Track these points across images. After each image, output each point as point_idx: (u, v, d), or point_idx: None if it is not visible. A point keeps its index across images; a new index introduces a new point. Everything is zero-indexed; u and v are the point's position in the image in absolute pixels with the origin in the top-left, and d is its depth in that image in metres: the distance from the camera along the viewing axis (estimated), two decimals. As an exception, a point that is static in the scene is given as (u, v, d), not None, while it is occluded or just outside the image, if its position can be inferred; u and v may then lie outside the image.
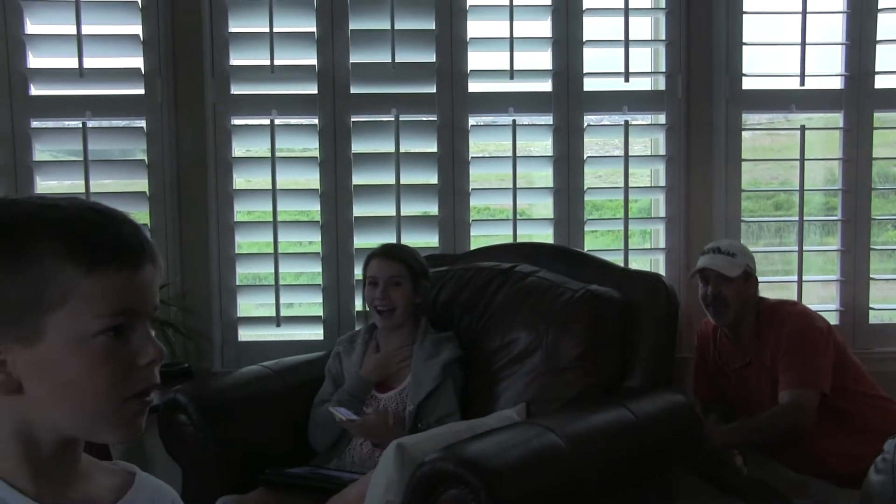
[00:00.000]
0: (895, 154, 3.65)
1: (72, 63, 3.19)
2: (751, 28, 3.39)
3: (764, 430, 2.90)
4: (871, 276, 3.47)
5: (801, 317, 2.98)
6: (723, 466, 2.87)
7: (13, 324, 0.94)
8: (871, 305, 3.48)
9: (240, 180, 3.35)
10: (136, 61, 3.23)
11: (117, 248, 0.96)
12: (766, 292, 3.12)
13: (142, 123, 3.25)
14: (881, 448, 2.86)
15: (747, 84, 3.41)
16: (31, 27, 3.24)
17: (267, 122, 3.26)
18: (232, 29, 3.25)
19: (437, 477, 2.14)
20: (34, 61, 3.25)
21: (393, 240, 3.27)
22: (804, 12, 3.37)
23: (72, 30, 3.17)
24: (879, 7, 3.40)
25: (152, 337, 0.99)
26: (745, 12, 3.37)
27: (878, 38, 3.42)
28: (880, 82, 3.45)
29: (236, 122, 3.29)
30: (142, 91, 3.23)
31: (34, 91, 3.25)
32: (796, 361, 2.89)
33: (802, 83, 3.42)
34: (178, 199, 3.26)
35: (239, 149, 3.34)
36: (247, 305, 3.39)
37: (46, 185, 3.34)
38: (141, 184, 3.27)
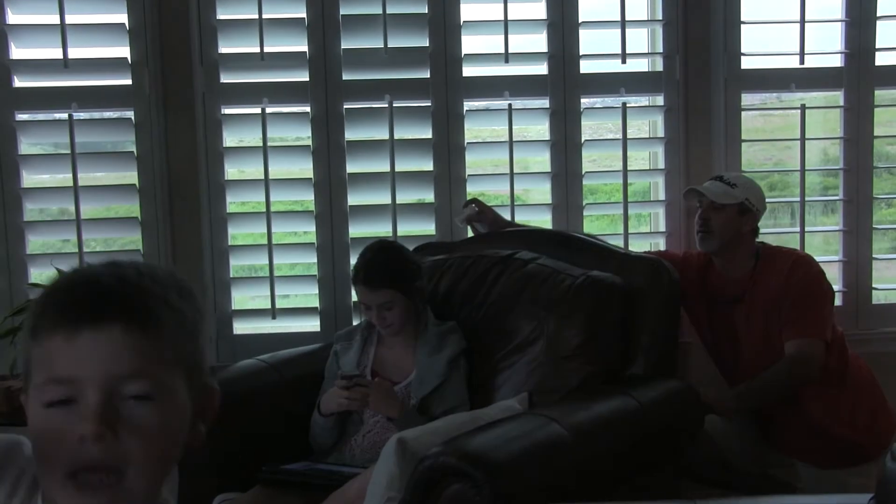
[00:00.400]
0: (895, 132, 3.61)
1: (56, 53, 3.11)
2: (749, 6, 3.33)
3: (772, 387, 2.81)
4: (874, 256, 3.43)
5: (811, 264, 2.91)
6: (719, 466, 2.83)
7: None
8: (873, 286, 3.44)
9: (231, 171, 3.28)
10: (123, 51, 3.15)
11: (55, 310, 0.90)
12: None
13: (130, 114, 3.18)
14: (863, 399, 2.84)
15: (746, 63, 3.35)
16: (14, 17, 3.16)
17: (258, 110, 3.19)
18: (220, 16, 3.18)
19: (440, 471, 2.09)
20: (17, 52, 3.17)
21: (388, 229, 3.21)
22: (802, -11, 3.32)
23: (55, 19, 3.09)
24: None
25: (95, 412, 0.88)
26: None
27: (878, 15, 3.37)
28: (881, 59, 3.40)
29: (226, 111, 3.23)
30: (129, 81, 3.16)
31: (18, 83, 3.17)
32: (803, 310, 2.81)
33: (802, 62, 3.36)
34: (169, 192, 3.19)
35: (230, 139, 3.27)
36: (241, 298, 3.33)
37: (34, 179, 3.27)
38: (130, 176, 3.20)
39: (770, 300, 2.86)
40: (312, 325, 3.28)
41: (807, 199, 3.40)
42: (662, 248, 3.35)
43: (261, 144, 3.18)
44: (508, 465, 2.12)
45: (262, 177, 3.19)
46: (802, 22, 3.32)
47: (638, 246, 3.35)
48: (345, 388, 2.58)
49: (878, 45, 3.38)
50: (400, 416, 2.55)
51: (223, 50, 3.19)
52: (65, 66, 3.12)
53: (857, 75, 3.39)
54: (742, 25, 3.32)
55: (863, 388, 2.91)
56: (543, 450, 2.23)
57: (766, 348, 2.86)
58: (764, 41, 3.43)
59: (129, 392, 0.90)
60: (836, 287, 3.39)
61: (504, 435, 2.25)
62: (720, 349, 2.99)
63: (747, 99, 3.47)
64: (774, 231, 3.51)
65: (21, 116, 3.18)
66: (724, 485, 2.84)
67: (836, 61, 3.41)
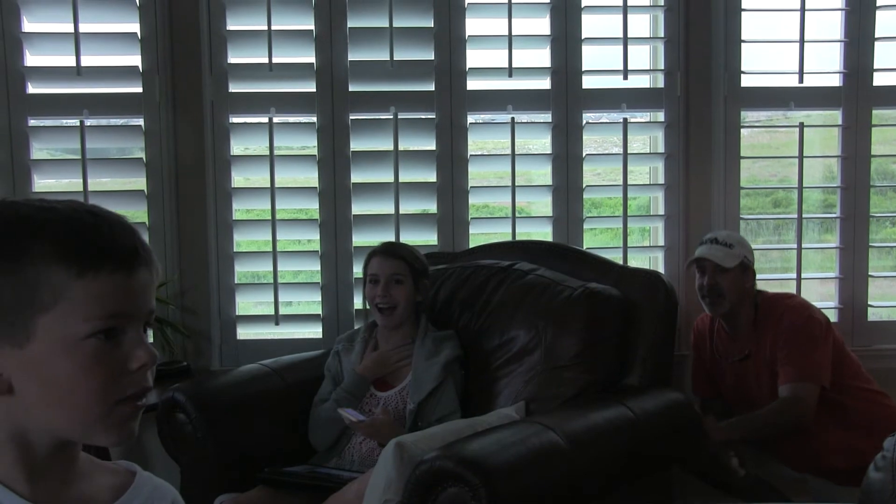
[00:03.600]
0: (893, 151, 3.65)
1: (69, 61, 3.18)
2: (749, 25, 3.39)
3: (763, 424, 2.89)
4: (870, 273, 3.47)
5: (800, 309, 2.98)
6: (721, 467, 2.87)
7: (4, 325, 0.94)
8: (869, 303, 3.48)
9: (238, 178, 3.34)
10: (134, 59, 3.22)
11: (109, 251, 0.96)
12: (765, 288, 3.11)
13: (140, 122, 3.24)
14: (880, 444, 2.86)
15: (746, 81, 3.40)
16: (28, 25, 3.23)
17: (265, 119, 3.25)
18: (230, 27, 3.24)
19: (437, 475, 2.13)
20: (31, 59, 3.24)
21: (392, 238, 3.27)
22: (802, 9, 3.37)
23: (69, 28, 3.16)
24: (878, 4, 3.40)
25: (145, 341, 0.99)
26: (744, 9, 3.37)
27: (876, 36, 3.42)
28: (879, 79, 3.45)
29: (234, 119, 3.28)
30: (140, 89, 3.22)
31: (31, 89, 3.24)
32: (795, 355, 2.89)
33: (801, 80, 3.42)
34: (177, 198, 3.25)
35: (237, 147, 3.33)
36: (245, 304, 3.38)
37: (44, 183, 3.34)
38: (139, 182, 3.27)
39: (771, 350, 2.95)
40: (315, 331, 3.33)
41: (804, 215, 3.45)
42: (661, 262, 3.40)
43: (267, 153, 3.24)
44: (504, 471, 2.15)
45: (269, 185, 3.25)
46: (802, 41, 3.38)
47: (637, 260, 3.40)
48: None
49: (875, 66, 3.43)
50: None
51: (232, 60, 3.25)
52: (77, 73, 3.18)
53: (855, 95, 3.44)
54: (742, 44, 3.37)
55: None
56: (539, 456, 2.27)
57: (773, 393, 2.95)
58: (764, 60, 3.48)
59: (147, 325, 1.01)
60: (832, 304, 3.44)
61: (501, 441, 2.28)
62: (744, 406, 3.03)
63: (750, 116, 3.53)
64: (771, 247, 3.57)
65: (33, 122, 3.24)
66: (724, 486, 2.89)
67: (835, 81, 3.46)
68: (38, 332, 0.94)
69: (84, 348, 0.95)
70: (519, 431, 2.37)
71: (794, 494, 2.97)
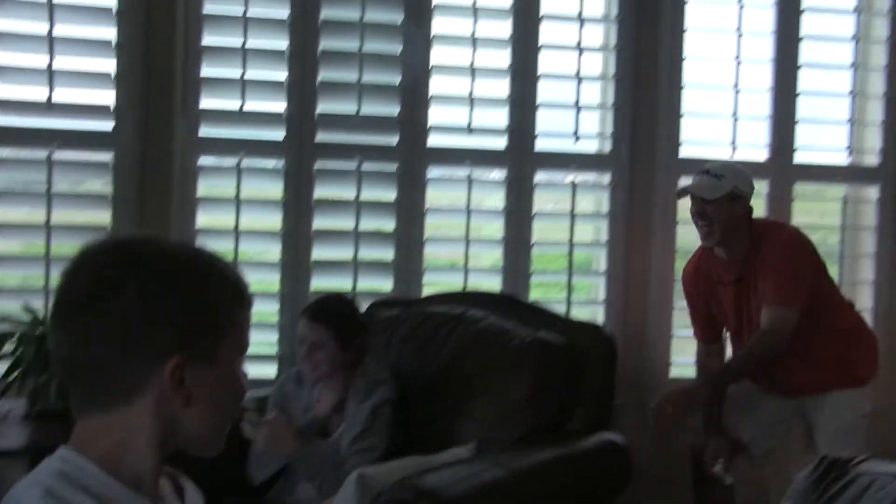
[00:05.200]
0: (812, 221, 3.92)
1: (41, 95, 3.21)
2: (690, 99, 3.66)
3: (750, 359, 3.03)
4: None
5: (780, 236, 3.09)
6: (706, 477, 3.01)
7: (202, 346, 1.10)
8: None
9: (204, 219, 3.44)
10: (108, 96, 3.29)
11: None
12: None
13: (108, 158, 3.31)
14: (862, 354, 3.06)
15: (685, 151, 3.66)
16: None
17: (234, 163, 3.38)
18: (204, 73, 3.37)
19: (397, 506, 2.29)
20: (1, 91, 3.26)
21: (349, 284, 3.42)
22: (736, 89, 3.67)
23: (44, 61, 3.19)
24: (798, 90, 3.72)
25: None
26: (684, 86, 3.63)
27: (796, 118, 3.73)
28: (800, 157, 3.76)
29: (203, 162, 3.40)
30: (111, 126, 3.30)
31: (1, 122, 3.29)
32: (774, 280, 2.97)
33: (733, 153, 3.70)
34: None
35: (205, 188, 3.44)
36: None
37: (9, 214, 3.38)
38: (104, 217, 3.34)
39: (759, 275, 3.02)
40: (270, 371, 3.42)
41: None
42: (602, 315, 3.61)
43: (234, 196, 3.37)
44: (458, 502, 2.34)
45: (233, 227, 3.37)
46: (735, 118, 3.67)
47: (580, 312, 3.59)
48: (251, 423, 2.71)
49: (797, 145, 3.74)
50: (291, 458, 2.71)
51: (205, 105, 3.38)
52: (48, 107, 3.24)
53: (780, 169, 3.73)
54: (682, 118, 3.64)
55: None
56: (488, 490, 2.49)
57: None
58: (702, 132, 3.75)
59: None
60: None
61: (454, 476, 2.49)
62: (740, 328, 3.11)
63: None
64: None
65: (2, 153, 3.30)
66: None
67: (762, 156, 3.75)
68: (222, 355, 1.11)
69: (238, 371, 1.14)
70: (471, 467, 2.58)
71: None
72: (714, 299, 3.17)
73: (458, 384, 2.97)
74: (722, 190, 2.99)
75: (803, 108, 3.76)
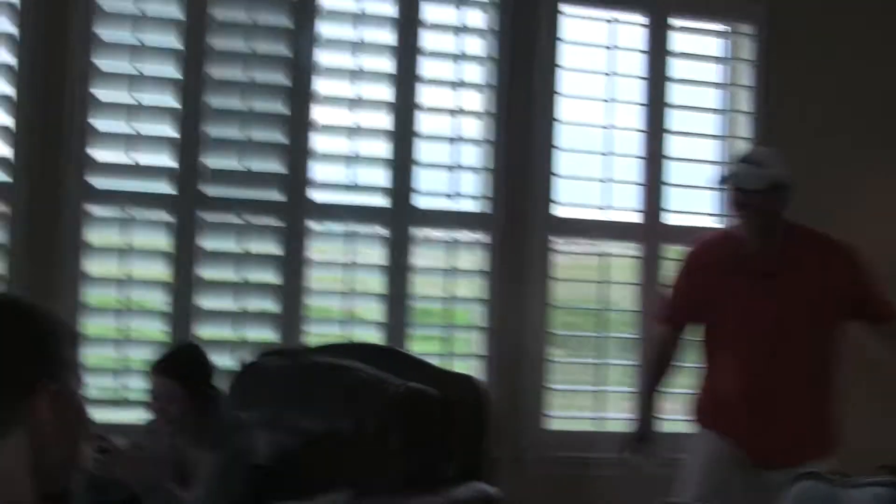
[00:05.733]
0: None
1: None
2: (565, 161, 3.88)
3: None
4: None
5: (851, 247, 3.08)
6: None
7: (51, 381, 1.22)
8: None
9: (92, 266, 3.49)
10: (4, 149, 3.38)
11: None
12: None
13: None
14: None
15: (560, 211, 3.88)
16: None
17: (121, 214, 3.48)
18: (94, 124, 3.44)
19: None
20: None
21: (234, 334, 3.52)
22: (609, 153, 3.92)
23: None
24: (667, 154, 3.98)
25: None
26: (557, 147, 3.85)
27: (666, 181, 3.98)
28: (672, 219, 4.00)
29: (92, 212, 3.48)
30: (10, 179, 3.38)
31: None
32: (883, 292, 3.04)
33: (606, 212, 3.94)
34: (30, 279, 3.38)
35: (93, 236, 3.50)
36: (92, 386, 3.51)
37: None
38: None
39: (814, 279, 2.98)
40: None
41: (610, 334, 3.95)
42: (481, 368, 3.77)
43: (121, 245, 3.47)
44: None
45: (120, 275, 3.47)
46: (607, 181, 3.92)
47: (459, 366, 3.72)
48: (99, 450, 2.68)
49: (665, 206, 4.00)
50: (143, 489, 2.74)
51: (95, 156, 3.46)
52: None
53: (651, 231, 3.98)
54: (556, 178, 3.87)
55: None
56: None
57: (796, 324, 2.99)
58: (575, 193, 3.98)
59: None
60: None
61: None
62: (729, 325, 3.06)
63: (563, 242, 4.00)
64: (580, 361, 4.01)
65: None
66: None
67: (634, 217, 3.99)
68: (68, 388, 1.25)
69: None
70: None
71: None
72: (720, 290, 3.08)
73: (333, 431, 3.09)
74: (763, 180, 2.93)
75: (674, 172, 4.00)
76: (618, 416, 3.83)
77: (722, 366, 3.14)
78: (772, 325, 3.01)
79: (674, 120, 4.01)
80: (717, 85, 4.12)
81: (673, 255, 4.04)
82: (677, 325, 3.25)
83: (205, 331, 3.54)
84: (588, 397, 3.93)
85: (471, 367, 3.80)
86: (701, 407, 3.24)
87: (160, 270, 3.54)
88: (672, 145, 4.01)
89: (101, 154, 3.49)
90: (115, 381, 3.47)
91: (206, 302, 3.56)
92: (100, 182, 3.49)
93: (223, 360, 3.44)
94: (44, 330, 1.24)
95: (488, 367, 3.79)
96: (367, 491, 2.92)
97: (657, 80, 3.98)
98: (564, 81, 3.89)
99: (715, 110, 4.11)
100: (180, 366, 2.91)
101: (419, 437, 3.04)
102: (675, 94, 4.01)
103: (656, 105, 3.99)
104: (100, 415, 3.42)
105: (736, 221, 3.12)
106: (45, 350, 1.22)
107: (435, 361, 3.53)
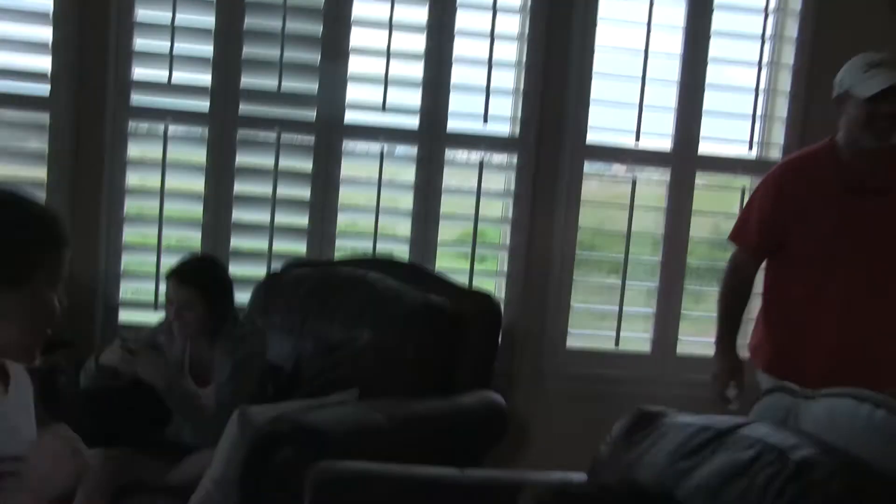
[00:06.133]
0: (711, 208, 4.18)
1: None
2: (598, 88, 3.90)
3: None
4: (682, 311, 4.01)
5: None
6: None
7: (6, 273, 1.41)
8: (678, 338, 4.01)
9: (133, 180, 3.69)
10: (45, 62, 3.55)
11: (64, 233, 1.50)
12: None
13: (46, 118, 3.57)
14: None
15: (592, 136, 3.91)
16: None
17: (161, 130, 3.64)
18: (136, 47, 3.60)
19: (274, 438, 2.56)
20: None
21: (265, 245, 3.67)
22: (643, 78, 3.91)
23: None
24: (705, 84, 3.96)
25: None
26: (595, 72, 3.86)
27: (703, 109, 3.97)
28: (703, 148, 4.00)
29: (133, 128, 3.65)
30: (47, 92, 3.56)
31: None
32: None
33: (637, 140, 3.95)
34: (73, 192, 3.58)
35: (134, 151, 3.68)
36: (129, 290, 3.73)
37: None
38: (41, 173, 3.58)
39: None
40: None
41: (630, 257, 3.98)
42: (503, 286, 3.86)
43: (160, 159, 3.62)
44: (333, 437, 2.61)
45: (159, 188, 3.63)
46: (640, 107, 3.92)
47: (482, 283, 3.83)
48: (126, 350, 2.85)
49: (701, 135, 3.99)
50: (164, 388, 2.86)
51: (136, 76, 3.63)
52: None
53: (682, 158, 3.99)
54: (591, 104, 3.89)
55: None
56: (364, 431, 2.75)
57: None
58: (608, 119, 4.00)
59: None
60: (647, 335, 3.97)
61: (333, 416, 2.75)
62: (821, 252, 2.87)
63: (595, 166, 4.04)
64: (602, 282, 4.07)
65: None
66: None
67: (667, 145, 4.00)
68: (36, 281, 1.43)
69: (51, 299, 1.48)
70: (349, 410, 2.84)
71: None
72: (811, 214, 2.89)
73: (348, 337, 3.23)
74: None
75: (709, 101, 3.97)
76: (637, 335, 3.94)
77: (798, 303, 2.97)
78: (879, 251, 2.83)
79: (714, 47, 3.96)
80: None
81: (705, 183, 4.08)
82: (758, 254, 3.09)
83: (238, 242, 3.70)
84: (610, 318, 3.99)
85: (497, 287, 3.90)
86: (763, 350, 3.11)
87: (197, 183, 3.70)
88: (711, 73, 3.96)
89: (141, 72, 3.64)
90: (152, 287, 3.65)
91: (241, 215, 3.71)
92: (140, 99, 3.64)
93: (255, 271, 3.64)
94: (10, 231, 1.37)
95: (513, 285, 3.87)
96: (378, 394, 3.05)
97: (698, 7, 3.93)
98: (604, 7, 3.86)
99: (757, 36, 4.03)
100: (200, 275, 3.01)
101: (430, 347, 3.15)
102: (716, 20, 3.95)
103: (696, 33, 3.93)
104: (139, 317, 3.67)
105: (850, 135, 2.83)
106: (14, 249, 1.37)
107: (462, 279, 3.62)
